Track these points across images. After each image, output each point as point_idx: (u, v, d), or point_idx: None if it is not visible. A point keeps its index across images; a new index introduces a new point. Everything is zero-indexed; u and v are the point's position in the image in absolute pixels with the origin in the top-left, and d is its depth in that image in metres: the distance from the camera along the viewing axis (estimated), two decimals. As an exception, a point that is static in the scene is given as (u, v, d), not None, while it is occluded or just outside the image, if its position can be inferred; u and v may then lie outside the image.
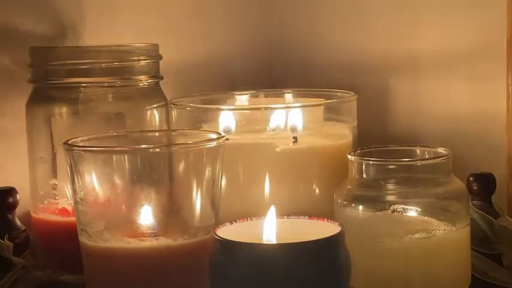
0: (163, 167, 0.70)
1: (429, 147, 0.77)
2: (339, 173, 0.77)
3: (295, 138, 0.82)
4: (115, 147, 0.73)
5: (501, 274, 0.75)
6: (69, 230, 0.74)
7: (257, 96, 0.96)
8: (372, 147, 0.77)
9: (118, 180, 0.69)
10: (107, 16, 0.97)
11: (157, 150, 0.72)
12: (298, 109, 0.84)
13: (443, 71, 0.96)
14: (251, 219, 0.64)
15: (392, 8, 1.01)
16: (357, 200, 0.72)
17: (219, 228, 0.62)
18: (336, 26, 1.07)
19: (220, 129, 0.82)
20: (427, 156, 0.76)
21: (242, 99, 0.95)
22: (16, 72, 0.89)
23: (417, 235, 0.70)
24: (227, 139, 0.74)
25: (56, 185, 0.83)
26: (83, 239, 0.70)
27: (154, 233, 0.69)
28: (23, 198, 0.84)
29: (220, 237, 0.60)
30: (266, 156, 0.81)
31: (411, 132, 1.00)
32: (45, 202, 0.84)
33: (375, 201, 0.72)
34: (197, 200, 0.71)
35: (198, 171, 0.71)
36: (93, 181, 0.69)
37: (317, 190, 0.82)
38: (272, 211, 0.64)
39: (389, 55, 1.01)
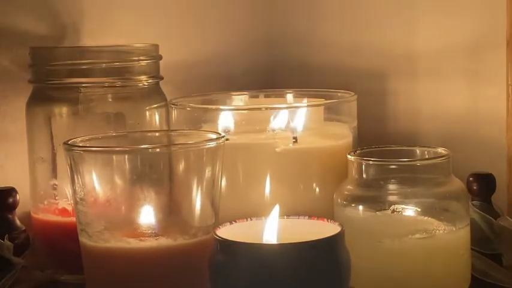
0: (163, 167, 0.70)
1: (429, 147, 0.77)
2: (339, 173, 0.77)
3: (295, 138, 0.82)
4: (115, 147, 0.73)
5: (501, 274, 0.75)
6: (69, 230, 0.74)
7: (257, 97, 0.96)
8: (372, 147, 0.77)
9: (118, 180, 0.69)
10: (107, 16, 0.97)
11: (157, 150, 0.72)
12: (299, 109, 0.84)
13: (443, 71, 0.96)
14: (251, 219, 0.64)
15: (391, 9, 1.01)
16: (357, 200, 0.72)
17: (219, 228, 0.62)
18: (336, 27, 1.07)
19: (220, 129, 0.82)
20: (427, 156, 0.76)
21: (242, 99, 0.95)
22: (16, 72, 0.89)
23: (417, 235, 0.70)
24: (227, 139, 0.74)
25: (56, 185, 0.83)
26: (83, 239, 0.70)
27: (154, 233, 0.69)
28: (23, 198, 0.84)
29: (220, 237, 0.60)
30: (266, 156, 0.81)
31: (411, 132, 1.00)
32: (45, 202, 0.84)
33: (375, 201, 0.72)
34: (197, 200, 0.71)
35: (198, 171, 0.70)
36: (93, 181, 0.69)
37: (317, 190, 0.82)
38: (276, 210, 0.64)
39: (389, 55, 1.01)
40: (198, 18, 1.06)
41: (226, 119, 0.83)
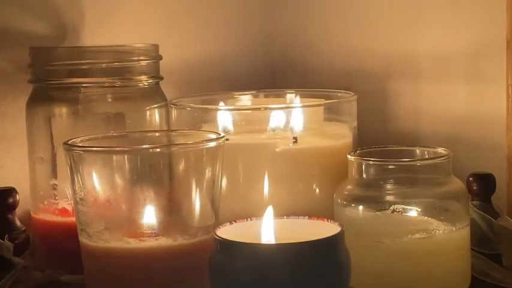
0: (163, 167, 0.70)
1: (429, 147, 0.77)
2: (339, 173, 0.77)
3: (295, 138, 0.82)
4: (115, 147, 0.73)
5: (501, 274, 0.75)
6: (69, 230, 0.74)
7: (257, 97, 0.96)
8: (372, 147, 0.77)
9: (118, 180, 0.69)
10: (107, 16, 0.97)
11: (157, 150, 0.72)
12: (299, 109, 0.84)
13: (443, 72, 0.96)
14: (251, 219, 0.64)
15: (392, 9, 1.01)
16: (357, 200, 0.72)
17: (219, 228, 0.62)
18: (336, 27, 1.07)
19: (220, 129, 0.82)
20: (427, 156, 0.76)
21: (242, 99, 0.95)
22: (16, 72, 0.89)
23: (417, 235, 0.70)
24: (227, 139, 0.74)
25: (56, 185, 0.83)
26: (83, 239, 0.70)
27: (154, 233, 0.69)
28: (23, 198, 0.84)
29: (220, 237, 0.60)
30: (266, 156, 0.81)
31: (411, 132, 1.00)
32: (45, 202, 0.84)
33: (375, 201, 0.72)
34: (197, 200, 0.71)
35: (198, 172, 0.71)
36: (93, 181, 0.69)
37: (317, 190, 0.82)
38: (269, 211, 0.64)
39: (390, 55, 1.01)
40: (198, 19, 1.06)
41: (226, 119, 0.83)
